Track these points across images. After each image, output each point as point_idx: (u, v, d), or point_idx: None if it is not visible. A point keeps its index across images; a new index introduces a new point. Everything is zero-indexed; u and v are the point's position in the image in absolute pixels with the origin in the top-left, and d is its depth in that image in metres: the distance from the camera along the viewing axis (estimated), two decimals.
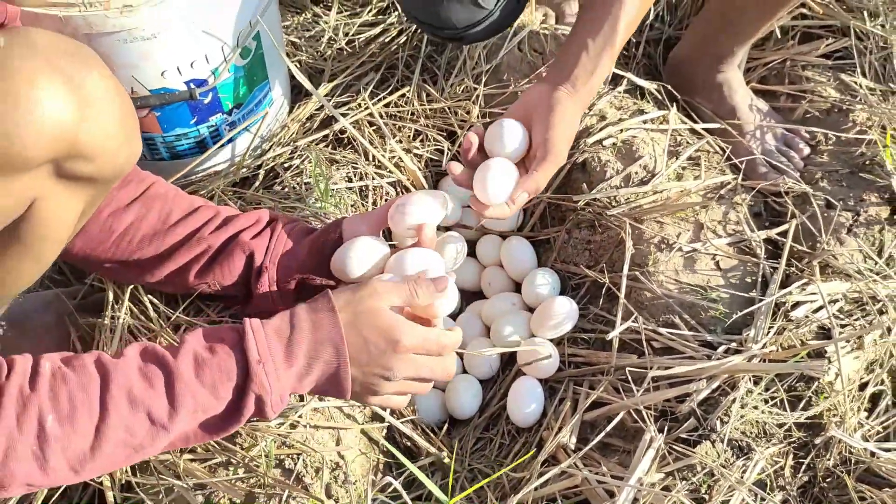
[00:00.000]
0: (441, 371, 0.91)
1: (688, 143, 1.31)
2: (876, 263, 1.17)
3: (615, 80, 1.38)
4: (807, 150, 1.34)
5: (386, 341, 0.86)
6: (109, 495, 0.97)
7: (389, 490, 1.00)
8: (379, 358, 0.86)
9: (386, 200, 1.34)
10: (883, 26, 1.43)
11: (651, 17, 1.54)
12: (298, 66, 1.48)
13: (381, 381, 0.88)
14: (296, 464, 0.99)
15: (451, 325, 0.95)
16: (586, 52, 1.03)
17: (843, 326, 1.10)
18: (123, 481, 0.98)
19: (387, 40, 1.49)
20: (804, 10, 1.47)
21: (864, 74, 1.40)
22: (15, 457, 0.74)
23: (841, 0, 1.47)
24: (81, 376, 0.78)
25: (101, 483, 0.98)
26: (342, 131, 1.34)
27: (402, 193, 1.35)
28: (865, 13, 1.44)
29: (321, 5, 1.59)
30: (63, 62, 0.77)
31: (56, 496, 0.99)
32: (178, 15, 1.03)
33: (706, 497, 0.97)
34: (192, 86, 1.14)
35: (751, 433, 1.03)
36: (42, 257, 0.90)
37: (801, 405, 1.05)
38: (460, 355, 1.24)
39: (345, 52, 1.50)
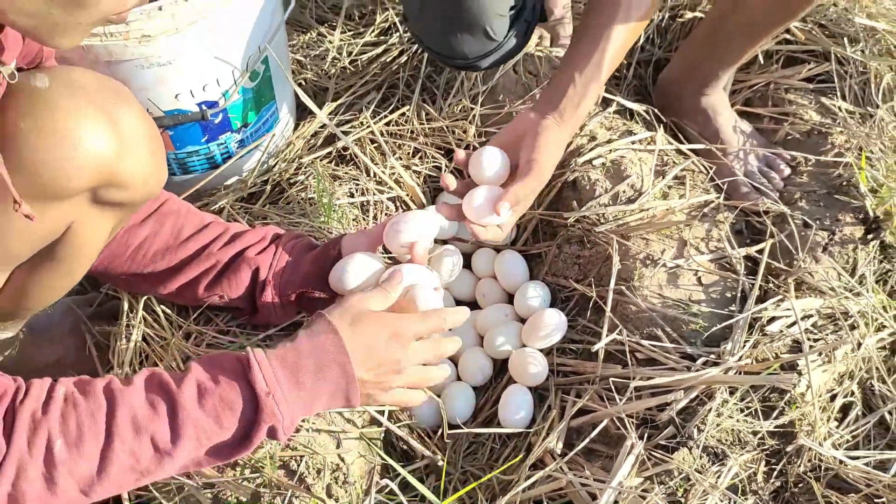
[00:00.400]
0: (448, 346, 0.97)
1: (674, 163, 1.37)
2: (849, 281, 1.23)
3: (606, 102, 1.44)
4: (787, 171, 1.40)
5: (389, 335, 0.91)
6: (124, 494, 1.03)
7: (387, 491, 1.07)
8: (385, 353, 0.91)
9: (386, 215, 1.41)
10: (863, 52, 1.49)
11: (642, 39, 1.60)
12: (303, 83, 1.55)
13: (393, 375, 0.93)
14: (299, 465, 1.05)
15: (437, 306, 0.99)
16: (573, 85, 1.10)
17: (815, 341, 1.16)
18: None
19: (388, 60, 1.56)
20: (788, 36, 1.53)
21: (843, 98, 1.47)
22: (26, 478, 0.78)
23: (823, 26, 1.53)
24: (91, 403, 0.82)
25: None
26: (345, 148, 1.41)
27: (402, 208, 1.42)
28: (846, 39, 1.50)
29: (326, 25, 1.66)
30: (102, 100, 0.84)
31: None
32: (192, 43, 1.09)
33: (682, 500, 1.04)
34: (204, 107, 1.21)
35: (726, 441, 1.09)
36: (74, 273, 0.98)
37: (774, 415, 1.11)
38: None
39: (348, 71, 1.57)
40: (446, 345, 0.98)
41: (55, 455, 0.78)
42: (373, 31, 1.62)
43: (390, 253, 1.13)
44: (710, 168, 1.39)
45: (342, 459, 1.08)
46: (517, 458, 1.14)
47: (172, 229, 1.09)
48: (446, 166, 1.44)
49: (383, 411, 1.15)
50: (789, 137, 1.46)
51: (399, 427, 1.17)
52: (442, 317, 0.96)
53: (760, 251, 1.27)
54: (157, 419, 0.82)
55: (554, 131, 1.10)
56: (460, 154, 1.15)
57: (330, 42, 1.60)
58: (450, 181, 1.12)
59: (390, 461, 1.04)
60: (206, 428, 0.84)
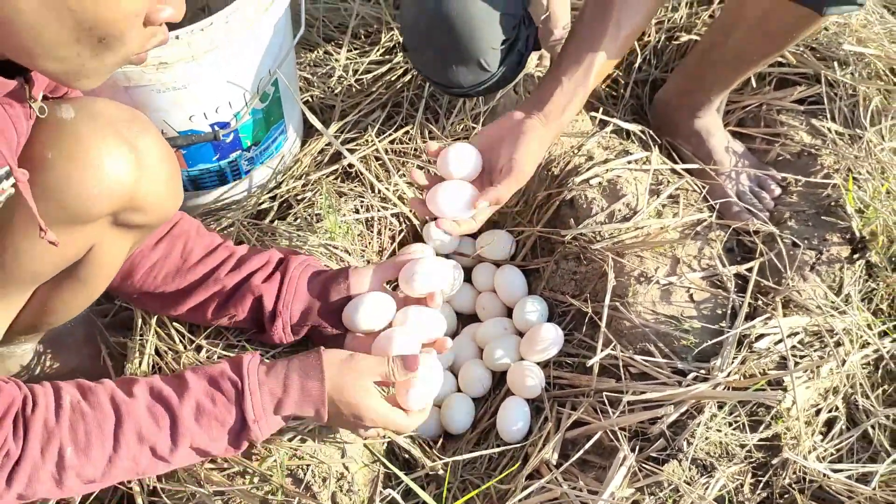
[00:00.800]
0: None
1: (668, 182, 1.42)
2: (835, 300, 1.27)
3: (603, 123, 1.49)
4: (778, 191, 1.45)
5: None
6: (139, 501, 1.08)
7: (389, 499, 1.12)
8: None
9: (389, 230, 1.46)
10: (852, 75, 1.54)
11: (639, 60, 1.65)
12: (310, 100, 1.60)
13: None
14: (305, 474, 1.10)
15: (418, 417, 1.08)
16: (561, 88, 1.16)
17: (801, 357, 1.21)
18: (151, 487, 1.09)
19: (393, 79, 1.61)
20: (780, 59, 1.58)
21: (833, 119, 1.51)
22: (37, 479, 0.89)
23: (814, 49, 1.58)
24: (98, 413, 0.92)
25: (130, 488, 1.09)
26: (350, 165, 1.45)
27: (405, 224, 1.47)
28: (836, 63, 1.55)
29: (332, 43, 1.70)
30: (122, 129, 0.90)
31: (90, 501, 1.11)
32: (206, 69, 1.14)
33: None
34: (216, 128, 1.26)
35: (714, 453, 1.14)
36: (95, 291, 1.04)
37: (761, 429, 1.16)
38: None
39: (354, 89, 1.62)
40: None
41: (66, 460, 0.89)
42: (378, 51, 1.66)
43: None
44: (704, 187, 1.44)
45: (347, 468, 1.13)
46: (514, 468, 1.19)
47: (182, 252, 1.14)
48: None
49: None
50: (780, 158, 1.51)
51: (401, 437, 1.22)
52: (399, 428, 1.08)
53: (750, 269, 1.31)
54: (159, 433, 0.95)
55: (537, 131, 1.14)
56: (432, 146, 1.18)
57: (336, 60, 1.64)
58: (418, 176, 1.16)
59: (394, 469, 1.09)
60: (199, 440, 0.97)
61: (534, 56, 1.64)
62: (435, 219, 1.14)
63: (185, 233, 1.14)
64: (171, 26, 0.85)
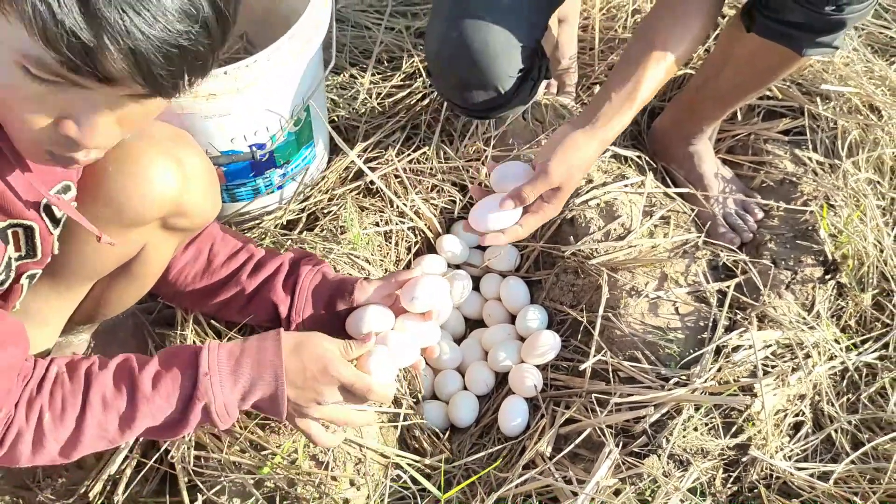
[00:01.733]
0: (358, 417, 1.13)
1: (661, 204, 1.56)
2: (806, 317, 1.41)
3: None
4: (760, 215, 1.59)
5: (319, 367, 1.04)
6: (180, 478, 1.23)
7: (401, 482, 1.27)
8: (312, 381, 1.04)
9: (406, 242, 1.60)
10: (833, 109, 1.67)
11: None
12: (336, 120, 1.75)
13: (313, 403, 1.07)
14: (326, 457, 1.25)
15: (386, 385, 1.10)
16: (609, 102, 1.22)
17: (772, 367, 1.34)
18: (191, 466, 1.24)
19: (412, 102, 1.75)
20: (767, 92, 1.72)
21: (815, 150, 1.65)
22: (22, 441, 0.96)
23: (800, 84, 1.71)
24: (74, 383, 0.99)
25: (172, 465, 1.24)
26: (372, 182, 1.60)
27: (420, 237, 1.62)
28: (819, 98, 1.68)
29: (357, 68, 1.85)
30: (170, 146, 1.06)
31: (138, 478, 1.26)
32: (249, 99, 1.29)
33: (650, 499, 1.23)
34: (254, 148, 1.41)
35: (690, 450, 1.27)
36: (145, 285, 1.20)
37: (734, 430, 1.30)
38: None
39: (376, 111, 1.76)
40: (357, 416, 1.13)
41: (44, 425, 0.96)
42: (400, 76, 1.81)
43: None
44: (693, 210, 1.58)
45: (363, 454, 1.27)
46: (512, 459, 1.33)
47: (209, 255, 1.28)
48: (461, 200, 1.64)
49: (398, 414, 1.35)
50: (764, 184, 1.64)
51: (412, 426, 1.37)
52: (370, 388, 1.08)
53: (729, 286, 1.45)
54: (120, 397, 0.99)
55: (579, 138, 1.19)
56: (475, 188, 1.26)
57: (361, 84, 1.79)
58: (474, 191, 1.25)
59: (399, 461, 1.24)
60: (159, 405, 1.00)
61: (542, 84, 1.77)
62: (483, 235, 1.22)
63: (212, 237, 1.28)
64: None
